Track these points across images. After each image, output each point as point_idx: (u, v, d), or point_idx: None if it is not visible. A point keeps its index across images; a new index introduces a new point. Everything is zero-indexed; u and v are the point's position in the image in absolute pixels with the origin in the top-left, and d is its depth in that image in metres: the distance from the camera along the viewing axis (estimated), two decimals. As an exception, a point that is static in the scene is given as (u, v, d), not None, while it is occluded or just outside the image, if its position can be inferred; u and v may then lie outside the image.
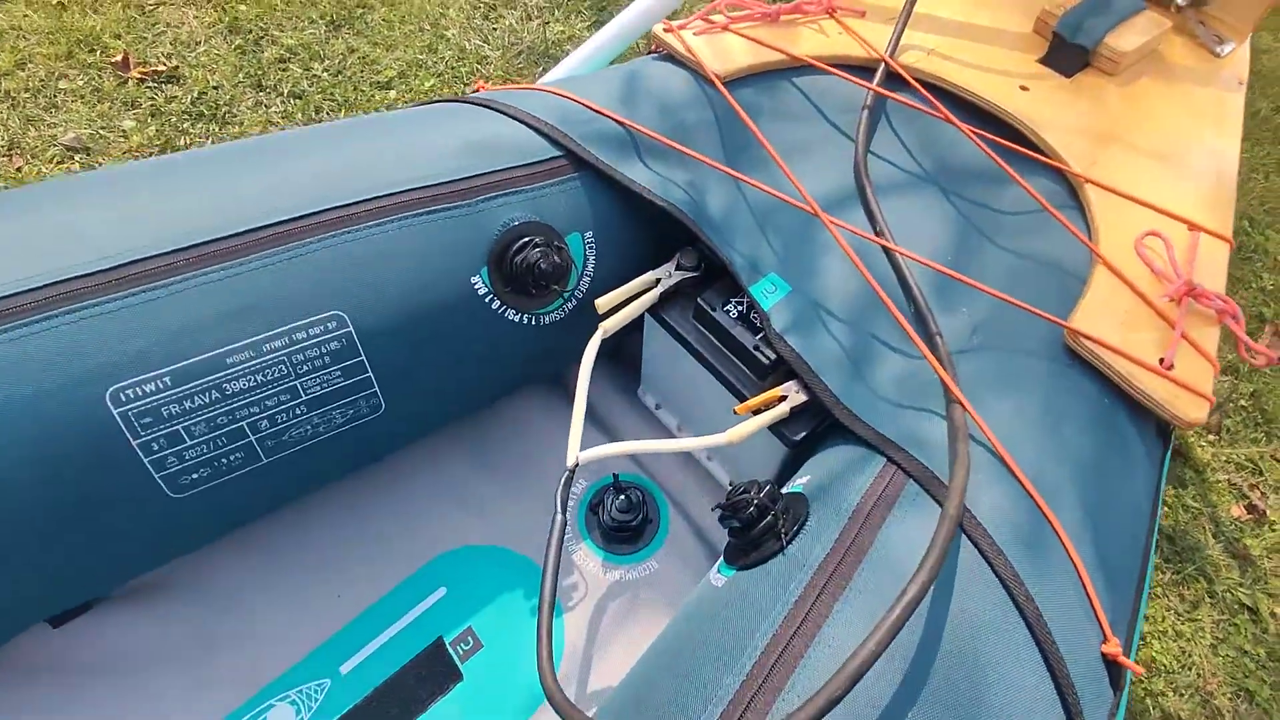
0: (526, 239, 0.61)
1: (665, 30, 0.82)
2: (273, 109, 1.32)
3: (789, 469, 0.63)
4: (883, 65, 0.82)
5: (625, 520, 0.72)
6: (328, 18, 1.47)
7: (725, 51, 0.81)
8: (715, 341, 0.66)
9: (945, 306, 0.64)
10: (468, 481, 0.73)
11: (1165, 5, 0.96)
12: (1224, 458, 1.11)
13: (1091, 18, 0.86)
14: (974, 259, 0.71)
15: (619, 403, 0.80)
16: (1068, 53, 0.86)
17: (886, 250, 0.67)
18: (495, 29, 1.50)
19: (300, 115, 1.31)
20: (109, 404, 0.45)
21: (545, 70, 1.45)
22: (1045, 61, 0.87)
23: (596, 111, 0.69)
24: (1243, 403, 1.16)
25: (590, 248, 0.67)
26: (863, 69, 0.84)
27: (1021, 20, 0.91)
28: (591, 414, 0.79)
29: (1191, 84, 0.88)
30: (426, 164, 0.59)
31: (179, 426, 0.48)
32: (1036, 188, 0.76)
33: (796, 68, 0.81)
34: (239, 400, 0.51)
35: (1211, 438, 1.12)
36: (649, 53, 0.83)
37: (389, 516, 0.70)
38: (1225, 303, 0.64)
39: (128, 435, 0.46)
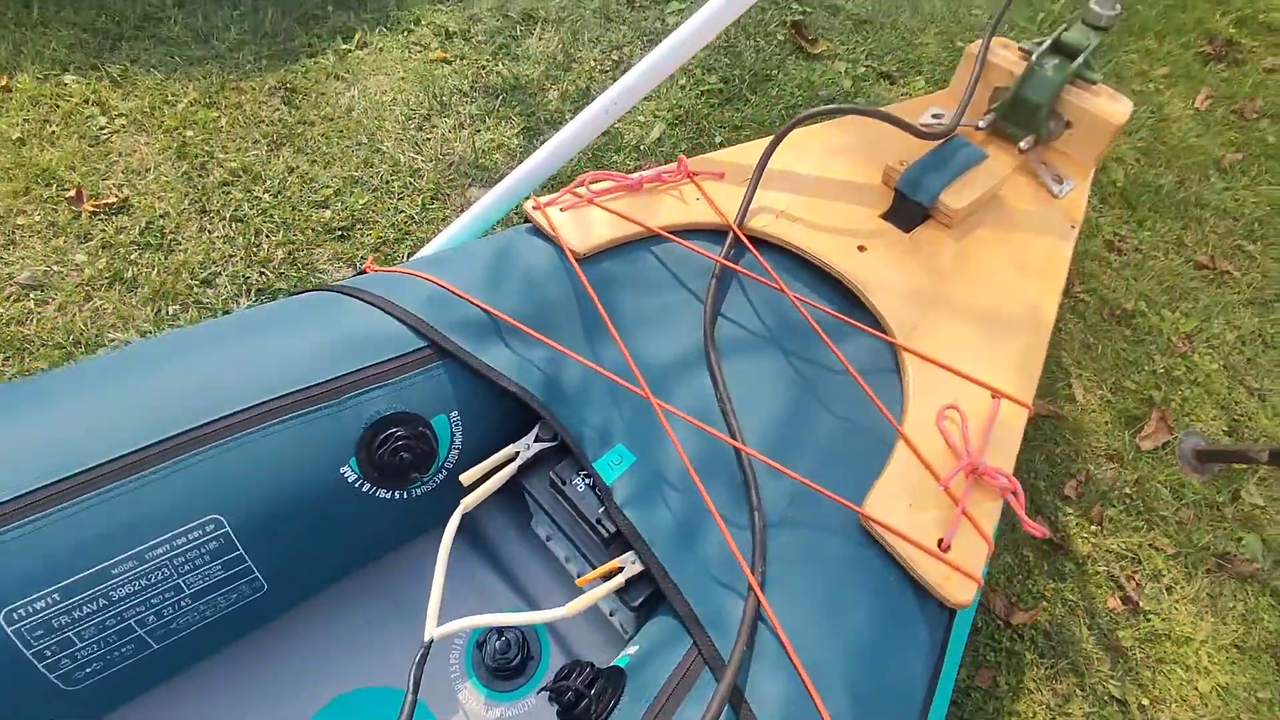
0: (391, 430, 0.69)
1: (534, 208, 0.90)
2: (215, 234, 1.41)
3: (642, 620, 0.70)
4: (730, 233, 0.90)
5: (505, 659, 0.79)
6: (269, 137, 1.56)
7: (587, 226, 0.89)
8: (569, 510, 0.74)
9: (772, 472, 0.71)
10: (360, 624, 0.80)
11: (1016, 141, 1.04)
12: (1105, 548, 1.17)
13: (929, 174, 0.93)
14: (804, 423, 0.79)
15: (513, 532, 0.87)
16: (907, 209, 0.94)
17: (725, 413, 0.75)
18: (429, 139, 1.59)
19: (241, 239, 1.40)
20: (2, 623, 0.53)
21: (474, 181, 1.54)
22: (888, 216, 0.95)
23: (461, 297, 0.77)
24: (1127, 490, 1.23)
25: (457, 426, 0.75)
26: (718, 233, 0.92)
27: (871, 172, 0.99)
28: (484, 543, 0.86)
29: (1026, 231, 0.95)
30: (299, 366, 0.67)
31: (70, 633, 0.56)
32: (865, 351, 0.84)
33: (655, 236, 0.89)
34: (126, 604, 0.59)
35: (1094, 528, 1.19)
36: (526, 221, 0.90)
37: (283, 665, 0.77)
38: (1008, 479, 0.71)
39: (20, 647, 0.54)
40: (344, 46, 1.73)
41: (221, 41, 1.72)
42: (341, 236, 1.44)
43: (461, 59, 1.73)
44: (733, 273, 0.89)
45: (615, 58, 1.75)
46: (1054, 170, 1.01)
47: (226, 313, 1.33)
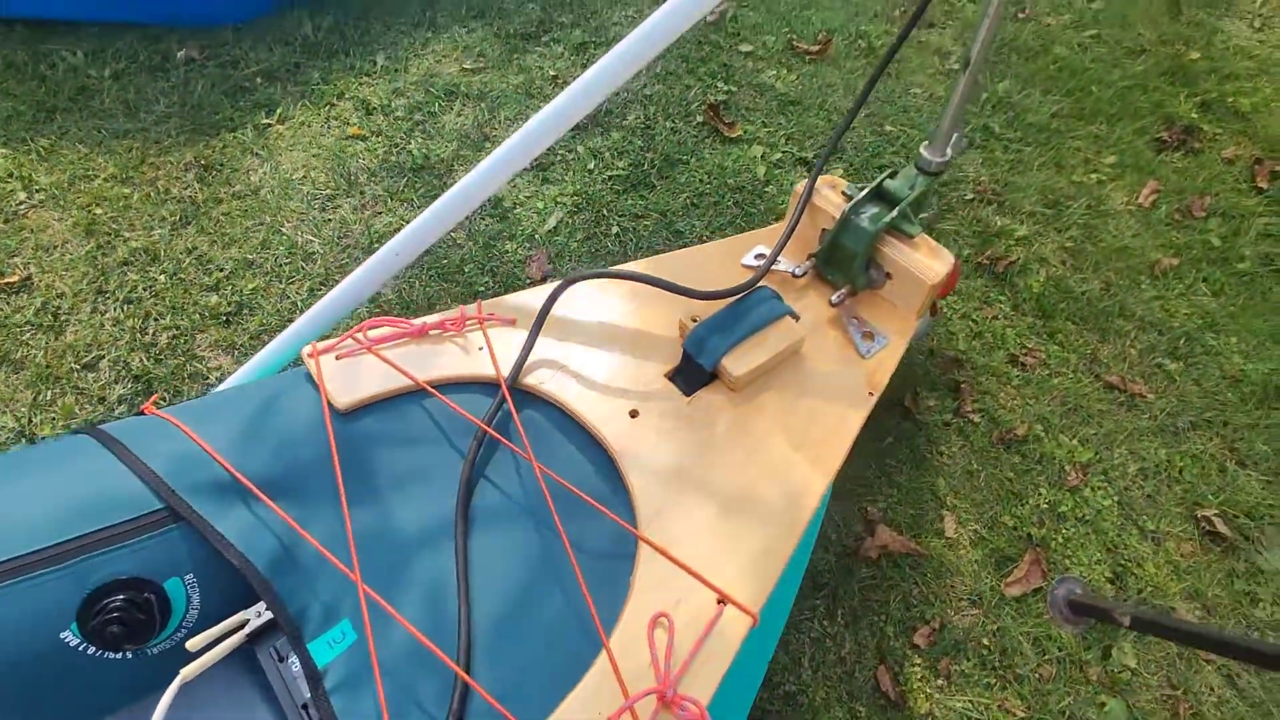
0: (109, 600, 0.69)
1: (309, 354, 0.89)
2: (107, 316, 1.44)
3: None
4: (500, 392, 0.87)
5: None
6: (176, 215, 1.59)
7: (358, 378, 0.88)
8: (285, 690, 0.72)
9: (496, 654, 0.69)
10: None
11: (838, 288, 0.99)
12: (948, 707, 1.10)
13: (716, 335, 0.89)
14: (533, 610, 0.76)
15: (258, 695, 0.86)
16: (692, 369, 0.90)
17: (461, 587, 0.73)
18: (329, 221, 1.60)
19: (130, 322, 1.43)
20: None
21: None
22: (674, 376, 0.91)
23: (211, 454, 0.77)
24: (984, 641, 1.16)
25: (193, 588, 0.74)
26: (495, 386, 0.90)
27: (671, 322, 0.95)
28: (218, 704, 0.85)
29: (817, 398, 0.90)
30: (32, 527, 0.67)
31: None
32: (609, 532, 0.80)
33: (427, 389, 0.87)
34: None
35: (940, 683, 1.12)
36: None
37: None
38: (699, 711, 0.67)
39: None
40: (265, 121, 1.76)
41: (149, 114, 1.77)
42: (226, 322, 1.46)
43: (377, 135, 1.74)
44: (506, 428, 0.87)
45: (530, 137, 1.73)
46: (865, 326, 0.95)
47: (102, 400, 1.36)
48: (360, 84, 1.84)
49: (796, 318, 0.95)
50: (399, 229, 1.59)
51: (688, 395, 0.89)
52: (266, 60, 1.88)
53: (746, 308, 0.92)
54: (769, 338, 0.90)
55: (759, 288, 0.94)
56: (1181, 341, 1.48)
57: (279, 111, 1.78)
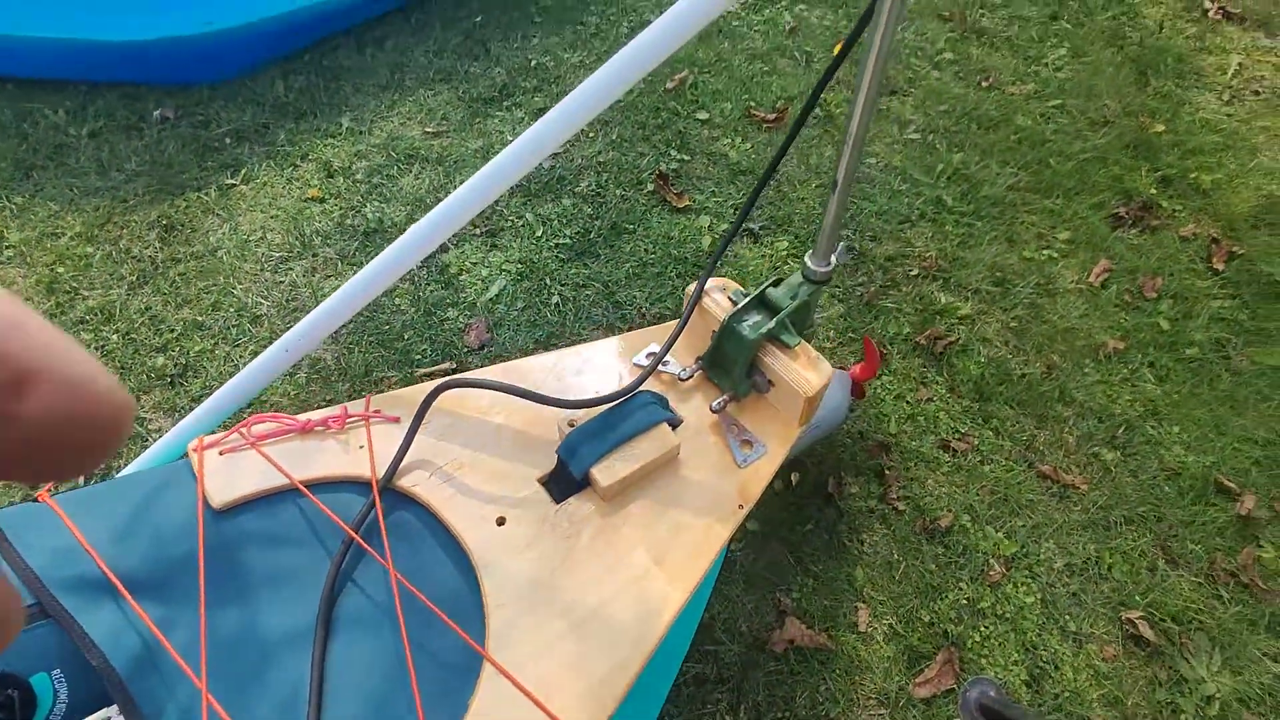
0: None
1: (194, 449, 0.91)
2: (56, 375, 1.49)
3: None
4: (371, 494, 0.88)
5: None
6: (135, 274, 1.64)
7: (239, 474, 0.89)
8: None
9: None
10: None
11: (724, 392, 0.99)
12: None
13: (590, 441, 0.90)
14: (386, 714, 0.76)
15: None
16: (564, 476, 0.90)
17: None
18: (280, 283, 1.64)
19: (77, 382, 1.47)
20: None
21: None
22: (547, 481, 0.91)
23: (87, 550, 0.79)
24: (888, 744, 1.14)
25: (60, 683, 0.75)
26: (370, 486, 0.91)
27: (551, 425, 0.96)
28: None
29: (685, 509, 0.90)
30: None
31: None
32: (461, 642, 0.80)
33: (307, 486, 0.88)
34: None
35: (837, 787, 1.10)
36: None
37: None
38: None
39: None
40: (229, 182, 1.81)
41: (120, 173, 1.83)
42: (171, 383, 1.50)
43: (335, 197, 1.79)
44: (373, 530, 0.88)
45: (483, 203, 1.76)
46: (744, 434, 0.95)
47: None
48: (325, 145, 1.89)
49: (675, 425, 0.95)
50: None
51: (557, 502, 0.89)
52: (237, 120, 1.94)
53: (625, 413, 0.93)
54: (641, 446, 0.90)
55: (640, 392, 0.95)
56: (1121, 430, 1.46)
57: (244, 172, 1.83)
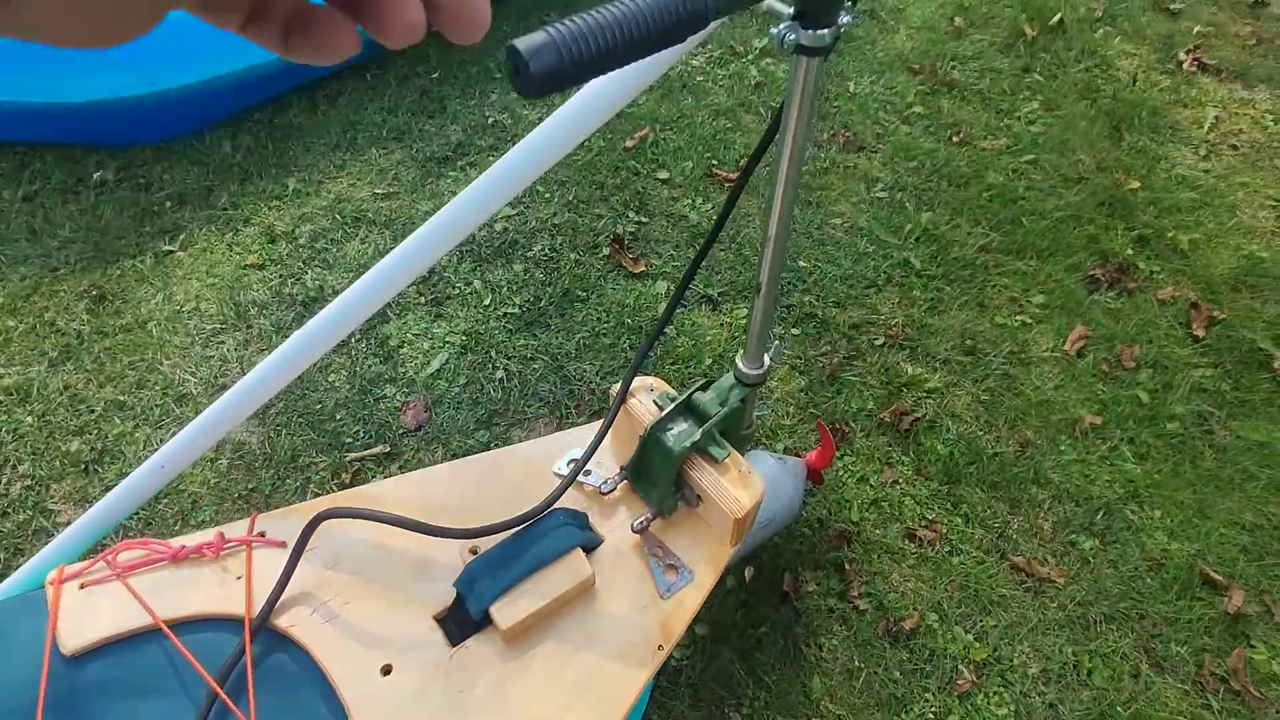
0: None
1: (51, 581, 0.82)
2: (-37, 461, 1.39)
3: None
4: (244, 633, 0.79)
5: None
6: (59, 349, 1.56)
7: (97, 612, 0.80)
8: None
9: None
10: None
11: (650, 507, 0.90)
12: None
13: (491, 573, 0.80)
14: None
15: None
16: (462, 613, 0.81)
17: None
18: (210, 358, 1.55)
19: (-15, 469, 1.38)
20: None
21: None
22: (444, 619, 0.82)
23: None
24: None
25: None
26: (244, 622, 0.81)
27: (453, 552, 0.86)
28: None
29: (596, 652, 0.80)
30: None
31: None
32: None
33: (171, 625, 0.79)
34: None
35: None
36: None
37: None
38: None
39: None
40: (167, 248, 1.73)
41: (53, 239, 1.75)
42: (86, 470, 1.40)
43: (275, 264, 1.71)
44: (242, 681, 0.78)
45: (427, 270, 1.68)
46: (669, 558, 0.86)
47: (-61, 556, 1.29)
48: (269, 208, 1.82)
49: (592, 548, 0.86)
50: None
51: (454, 644, 0.79)
52: (180, 182, 1.87)
53: (534, 536, 0.83)
54: (551, 577, 0.81)
55: (553, 511, 0.86)
56: (1100, 515, 1.36)
57: (183, 238, 1.75)
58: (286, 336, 1.58)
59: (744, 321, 1.61)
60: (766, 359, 0.89)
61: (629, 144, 1.94)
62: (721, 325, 1.61)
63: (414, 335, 1.58)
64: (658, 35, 0.38)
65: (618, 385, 0.93)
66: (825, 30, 0.52)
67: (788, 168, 0.64)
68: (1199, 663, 1.21)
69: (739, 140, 1.97)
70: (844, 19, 0.52)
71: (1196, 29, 2.26)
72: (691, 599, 0.84)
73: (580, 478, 0.92)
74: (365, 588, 0.83)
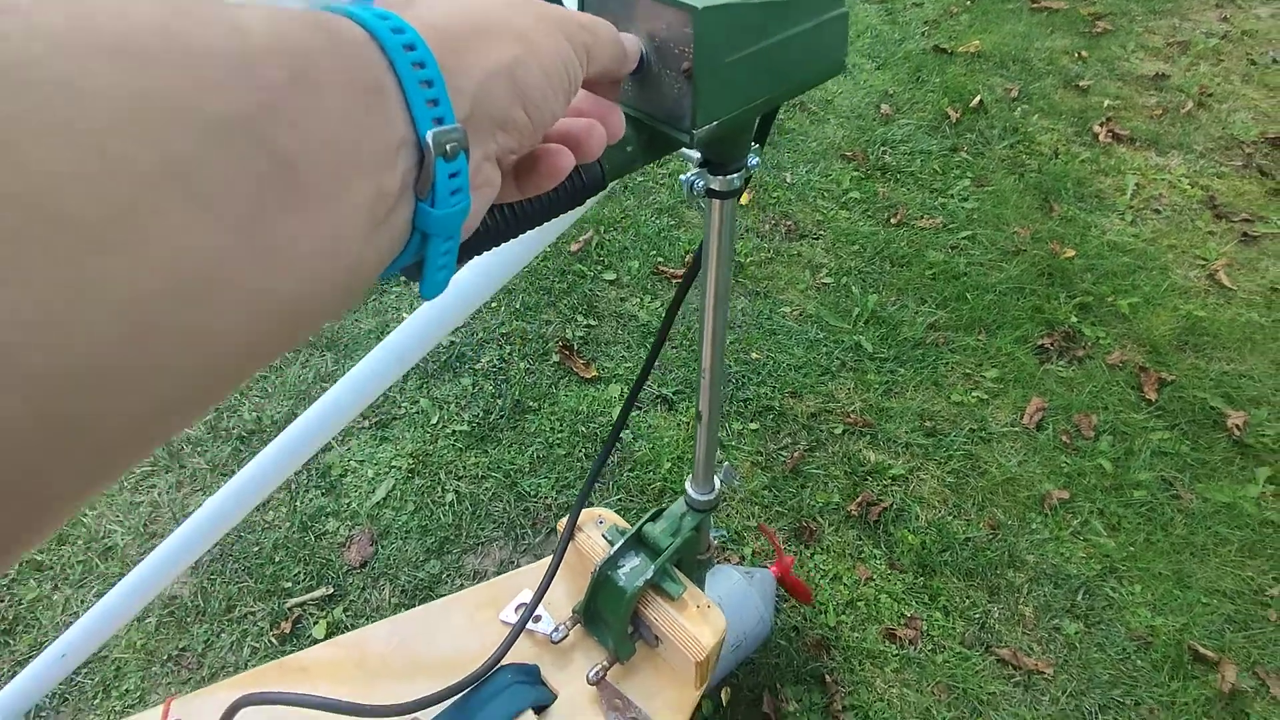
0: None
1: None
2: None
3: None
4: None
5: None
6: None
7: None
8: None
9: None
10: None
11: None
12: None
13: None
14: None
15: None
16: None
17: None
18: (140, 503, 1.46)
19: (-117, 650, 1.25)
20: None
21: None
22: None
23: None
24: None
25: None
26: None
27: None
28: None
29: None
30: None
31: None
32: None
33: None
34: None
35: None
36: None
37: None
38: None
39: None
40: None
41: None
42: (-3, 641, 1.28)
43: (212, 396, 1.64)
44: None
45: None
46: (629, 711, 0.79)
47: None
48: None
49: (543, 708, 0.78)
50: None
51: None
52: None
53: (479, 702, 0.76)
54: None
55: (498, 670, 0.79)
56: (1080, 595, 1.32)
57: (112, 375, 1.68)
58: (223, 475, 1.51)
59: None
60: (717, 482, 0.84)
61: (574, 248, 1.94)
62: (679, 425, 1.57)
63: (358, 462, 1.51)
64: (559, 204, 0.37)
65: (564, 521, 0.87)
66: (735, 175, 0.51)
67: (714, 303, 0.62)
68: (1203, 751, 1.15)
69: (683, 236, 1.99)
70: (752, 161, 0.51)
71: (1106, 103, 2.39)
72: (657, 757, 0.76)
73: (529, 625, 0.86)
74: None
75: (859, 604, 1.30)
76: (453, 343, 1.73)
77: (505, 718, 0.74)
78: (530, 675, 0.80)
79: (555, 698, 0.80)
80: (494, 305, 1.82)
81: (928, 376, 1.67)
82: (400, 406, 1.61)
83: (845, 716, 1.17)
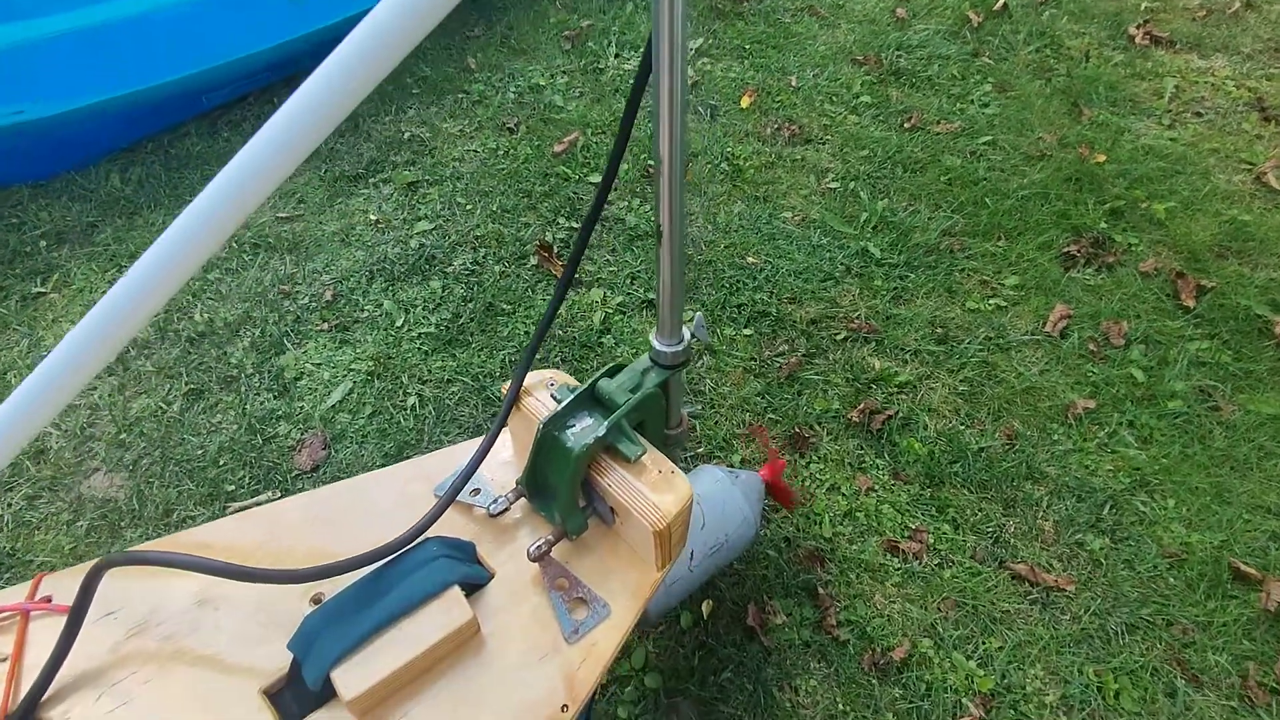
0: None
1: None
2: None
3: None
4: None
5: None
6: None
7: None
8: None
9: None
10: None
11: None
12: None
13: (330, 631, 0.60)
14: None
15: None
16: (299, 685, 0.61)
17: None
18: (77, 405, 1.34)
19: None
20: None
21: (97, 469, 1.26)
22: (277, 693, 0.61)
23: None
24: None
25: None
26: None
27: (292, 607, 0.66)
28: None
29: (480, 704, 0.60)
30: None
31: None
32: None
33: None
34: None
35: None
36: None
37: None
38: None
39: None
40: (37, 290, 1.54)
41: (-93, 288, 1.55)
42: (-82, 545, 1.18)
43: (163, 299, 1.51)
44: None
45: (332, 293, 1.50)
46: (576, 590, 0.66)
47: None
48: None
49: (475, 586, 0.66)
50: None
51: (288, 725, 0.59)
52: (59, 220, 1.68)
53: (396, 576, 0.64)
54: (414, 628, 0.61)
55: (422, 542, 0.66)
56: (1107, 509, 1.19)
57: (56, 278, 1.56)
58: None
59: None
60: (686, 334, 0.71)
61: (557, 149, 1.79)
62: (665, 330, 1.44)
63: (314, 365, 1.39)
64: None
65: (509, 383, 0.74)
66: None
67: (669, 100, 0.50)
68: (1242, 673, 1.02)
69: (676, 139, 1.83)
70: None
71: (1144, 5, 2.19)
72: (607, 641, 0.64)
73: (466, 498, 0.73)
74: (176, 659, 0.63)
75: (858, 515, 1.18)
76: (422, 245, 1.59)
77: (425, 594, 0.62)
78: (463, 551, 0.68)
79: (491, 576, 0.68)
80: (469, 208, 1.67)
81: (941, 283, 1.52)
82: (362, 309, 1.48)
83: (839, 631, 1.05)
